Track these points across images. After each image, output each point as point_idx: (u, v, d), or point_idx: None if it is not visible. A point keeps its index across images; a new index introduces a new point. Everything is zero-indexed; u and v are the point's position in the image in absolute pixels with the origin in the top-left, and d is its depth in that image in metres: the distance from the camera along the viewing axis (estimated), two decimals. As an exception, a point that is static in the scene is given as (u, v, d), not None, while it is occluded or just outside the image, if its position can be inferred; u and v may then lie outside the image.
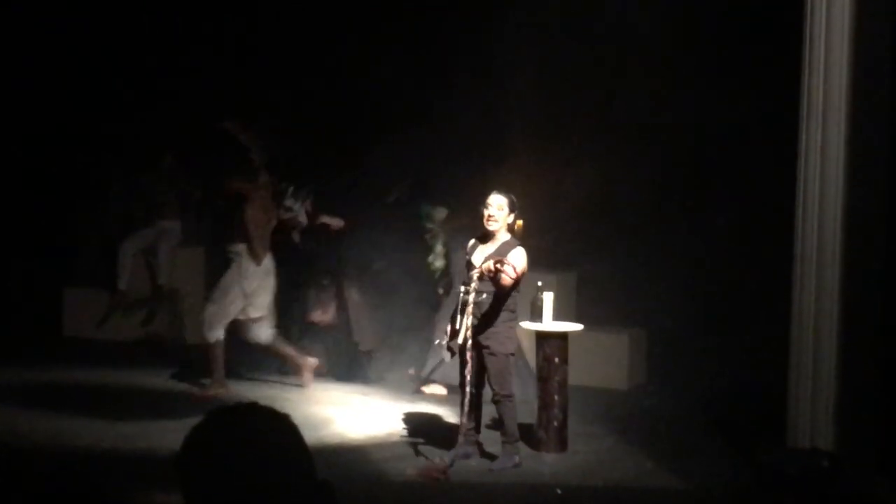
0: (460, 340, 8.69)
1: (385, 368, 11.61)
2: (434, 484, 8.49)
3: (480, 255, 8.86)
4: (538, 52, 13.32)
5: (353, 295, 11.45)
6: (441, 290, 11.33)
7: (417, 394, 11.15)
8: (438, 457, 9.03)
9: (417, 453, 9.20)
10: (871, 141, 8.70)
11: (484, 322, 8.75)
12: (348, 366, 11.61)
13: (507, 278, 8.56)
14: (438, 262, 11.32)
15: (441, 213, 11.35)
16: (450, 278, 11.15)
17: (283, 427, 2.56)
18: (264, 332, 10.83)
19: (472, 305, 8.64)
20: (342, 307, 11.52)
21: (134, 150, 13.31)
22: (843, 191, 8.68)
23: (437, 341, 9.18)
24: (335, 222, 11.37)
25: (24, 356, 12.01)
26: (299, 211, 11.20)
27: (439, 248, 11.34)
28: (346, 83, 13.55)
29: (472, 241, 9.02)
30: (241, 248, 10.62)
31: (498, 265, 8.52)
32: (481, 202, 8.97)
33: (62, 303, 13.61)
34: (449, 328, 8.96)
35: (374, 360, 11.63)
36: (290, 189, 11.15)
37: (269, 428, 2.54)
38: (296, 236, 11.36)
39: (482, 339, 8.78)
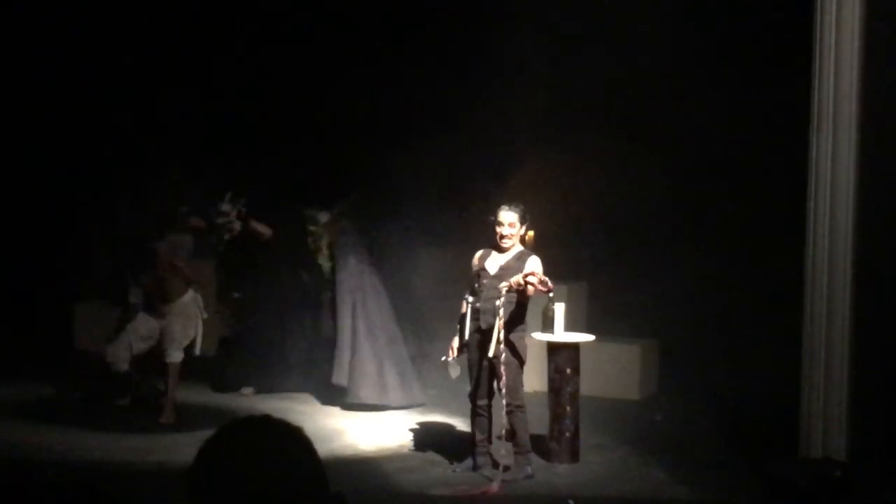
0: (491, 353, 8.64)
1: (304, 377, 11.55)
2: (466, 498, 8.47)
3: (495, 265, 8.84)
4: (549, 63, 13.33)
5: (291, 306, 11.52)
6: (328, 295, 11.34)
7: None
8: (452, 469, 9.05)
9: (450, 461, 9.20)
10: (882, 149, 8.69)
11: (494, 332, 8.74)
12: (278, 374, 11.53)
13: (531, 290, 8.55)
14: (326, 264, 11.33)
15: (324, 216, 11.37)
16: (337, 282, 11.17)
17: (295, 439, 2.55)
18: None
19: (501, 319, 8.61)
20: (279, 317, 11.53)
21: (144, 163, 13.32)
22: (853, 199, 8.67)
23: (443, 358, 9.13)
24: (264, 230, 11.42)
25: (36, 370, 12.01)
26: (233, 214, 11.35)
27: (325, 251, 11.35)
28: (355, 95, 13.56)
29: (480, 252, 8.99)
30: (191, 295, 10.71)
31: (531, 280, 8.48)
32: (491, 212, 8.96)
33: (74, 317, 13.63)
34: (456, 343, 8.93)
35: (295, 369, 11.58)
36: (228, 195, 11.30)
37: (281, 440, 2.53)
38: (218, 239, 11.43)
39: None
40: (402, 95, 13.24)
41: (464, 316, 8.85)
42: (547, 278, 8.50)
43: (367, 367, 10.94)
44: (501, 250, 8.86)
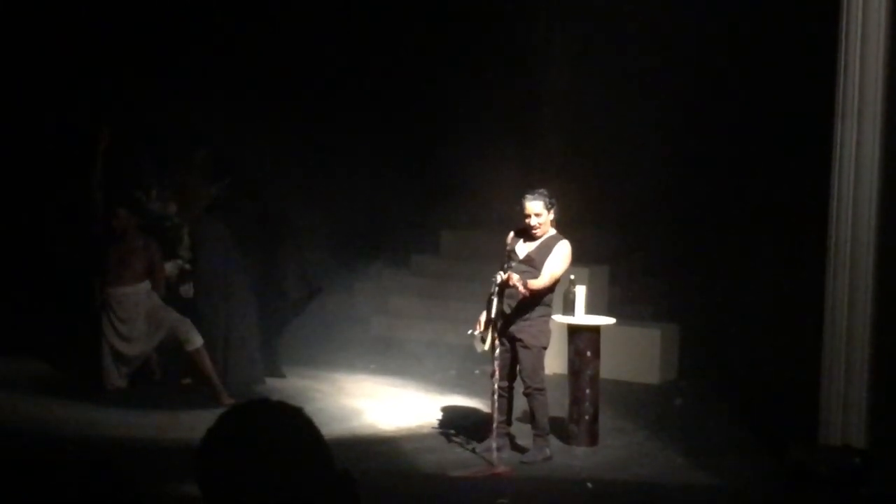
0: (486, 346, 8.69)
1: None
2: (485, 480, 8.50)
3: (524, 249, 8.86)
4: (572, 47, 13.31)
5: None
6: (185, 289, 11.17)
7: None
8: (472, 448, 9.08)
9: (449, 440, 9.22)
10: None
11: (518, 314, 8.75)
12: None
13: (533, 286, 8.59)
14: (184, 253, 11.19)
15: (171, 207, 11.28)
16: (199, 272, 11.06)
17: (296, 420, 2.58)
18: None
19: (493, 318, 8.64)
20: None
21: (168, 144, 13.31)
22: (877, 186, 8.65)
23: (469, 331, 9.10)
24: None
25: (56, 347, 12.04)
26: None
27: (186, 239, 11.23)
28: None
29: (514, 231, 8.98)
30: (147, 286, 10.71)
31: (521, 286, 8.52)
32: (517, 202, 8.94)
33: (94, 294, 13.61)
34: (483, 317, 8.90)
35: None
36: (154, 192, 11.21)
37: (282, 422, 2.57)
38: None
39: (516, 331, 8.78)
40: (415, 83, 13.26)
41: (492, 294, 8.78)
42: (519, 284, 8.49)
43: (241, 352, 10.87)
44: (532, 236, 8.87)
